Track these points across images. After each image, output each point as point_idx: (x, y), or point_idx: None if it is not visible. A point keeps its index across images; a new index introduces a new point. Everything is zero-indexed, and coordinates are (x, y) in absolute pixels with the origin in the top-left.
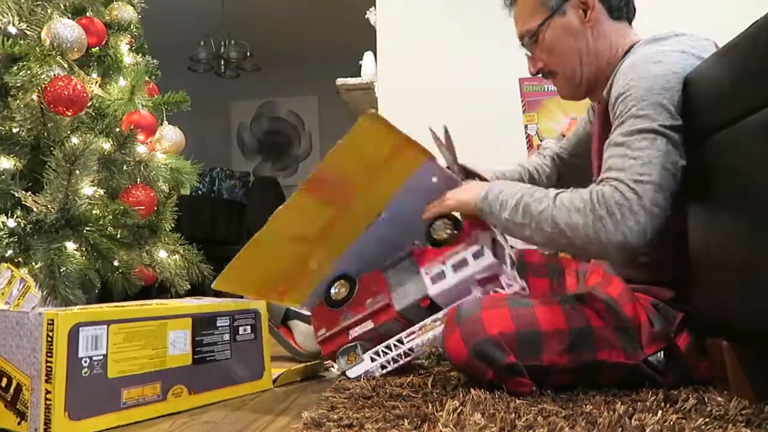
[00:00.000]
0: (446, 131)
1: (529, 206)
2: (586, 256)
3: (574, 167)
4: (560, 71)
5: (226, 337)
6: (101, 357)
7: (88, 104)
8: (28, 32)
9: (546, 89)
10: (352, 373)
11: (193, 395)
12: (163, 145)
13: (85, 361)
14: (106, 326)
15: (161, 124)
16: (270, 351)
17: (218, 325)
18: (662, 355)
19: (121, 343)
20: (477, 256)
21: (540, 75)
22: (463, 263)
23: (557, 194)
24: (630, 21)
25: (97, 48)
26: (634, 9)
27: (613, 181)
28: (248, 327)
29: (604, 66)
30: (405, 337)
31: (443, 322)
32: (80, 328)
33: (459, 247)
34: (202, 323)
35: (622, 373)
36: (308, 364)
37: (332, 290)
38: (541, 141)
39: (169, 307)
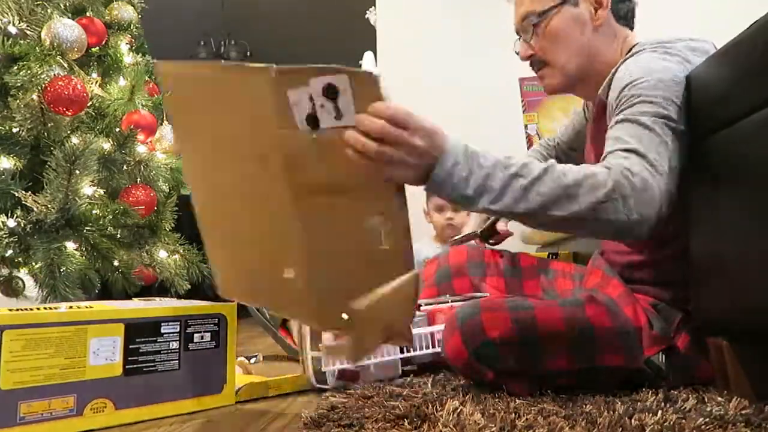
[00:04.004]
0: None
1: (530, 187)
2: (592, 235)
3: (571, 160)
4: (554, 61)
5: (174, 345)
6: None
7: (88, 104)
8: (28, 32)
9: None
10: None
11: (122, 410)
12: (163, 145)
13: None
14: None
15: (161, 124)
16: (234, 361)
17: (163, 331)
18: (663, 356)
19: (20, 351)
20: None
21: (529, 62)
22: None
23: (552, 166)
24: (632, 29)
25: (97, 48)
26: (634, 20)
27: (633, 155)
28: (207, 334)
29: (601, 65)
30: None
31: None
32: None
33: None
34: (139, 329)
35: (623, 375)
36: (280, 377)
37: None
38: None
39: (93, 311)
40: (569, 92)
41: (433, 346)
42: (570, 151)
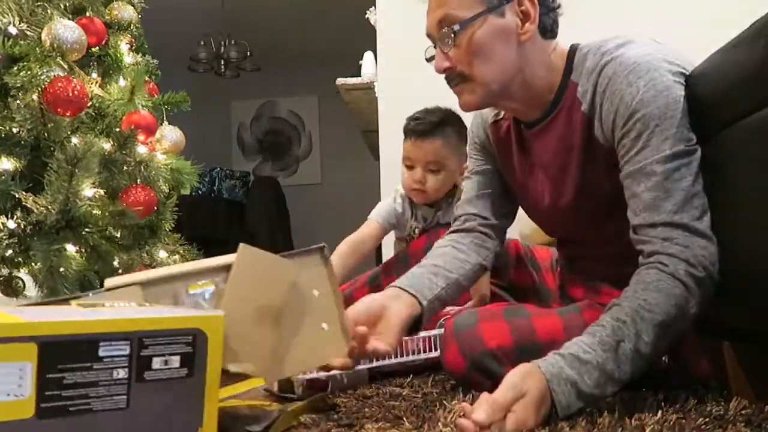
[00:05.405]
0: None
1: (635, 350)
2: None
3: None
4: (477, 76)
5: (120, 373)
6: None
7: (88, 104)
8: (28, 33)
9: None
10: None
11: None
12: (163, 145)
13: None
14: None
15: (161, 124)
16: (217, 397)
17: (102, 354)
18: (663, 358)
19: None
20: None
21: (445, 75)
22: None
23: (637, 311)
24: (554, 38)
25: (97, 48)
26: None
27: (678, 231)
28: (174, 358)
29: (530, 80)
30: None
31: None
32: None
33: None
34: (63, 351)
35: None
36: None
37: None
38: None
39: None
40: (486, 108)
41: (402, 356)
42: (509, 207)
